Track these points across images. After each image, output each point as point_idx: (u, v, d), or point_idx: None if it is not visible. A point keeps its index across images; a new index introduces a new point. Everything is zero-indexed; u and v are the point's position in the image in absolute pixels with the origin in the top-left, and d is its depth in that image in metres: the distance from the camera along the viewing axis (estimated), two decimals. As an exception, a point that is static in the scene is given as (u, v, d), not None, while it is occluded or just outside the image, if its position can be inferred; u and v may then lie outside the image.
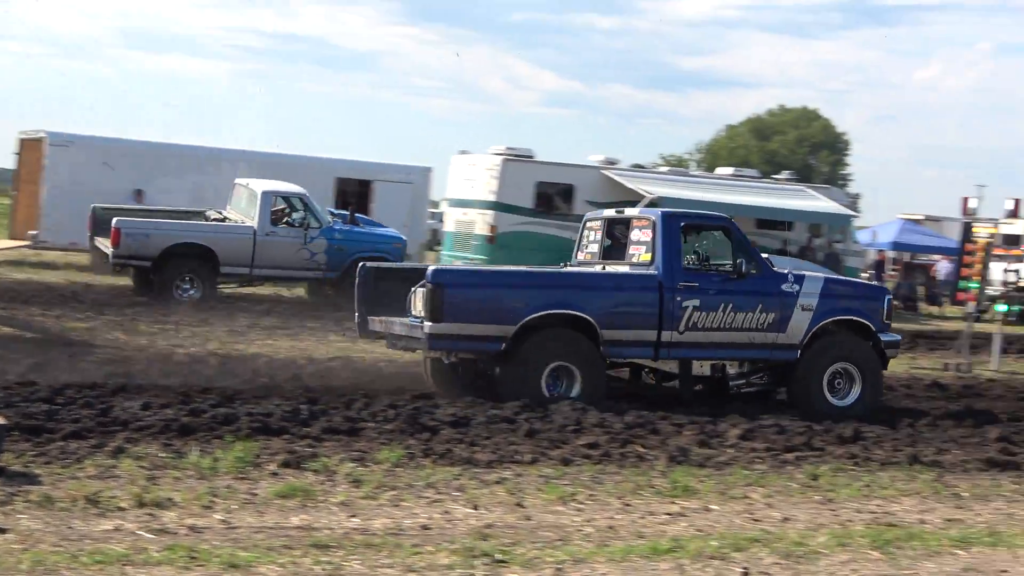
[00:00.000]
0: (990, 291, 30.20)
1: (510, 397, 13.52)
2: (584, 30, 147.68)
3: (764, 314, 14.64)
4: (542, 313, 13.90)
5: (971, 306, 23.15)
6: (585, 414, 13.24)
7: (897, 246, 51.59)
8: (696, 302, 14.39)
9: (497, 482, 10.35)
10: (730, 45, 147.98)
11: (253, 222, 24.32)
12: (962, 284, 23.75)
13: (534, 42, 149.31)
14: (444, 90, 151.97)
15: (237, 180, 25.88)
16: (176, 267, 23.75)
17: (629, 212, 15.80)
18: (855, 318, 15.14)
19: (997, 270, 37.77)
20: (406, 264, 15.90)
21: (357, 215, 26.90)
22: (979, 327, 23.76)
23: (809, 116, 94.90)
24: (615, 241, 15.47)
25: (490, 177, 33.36)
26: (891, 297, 16.14)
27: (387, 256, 24.67)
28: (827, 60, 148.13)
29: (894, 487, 11.18)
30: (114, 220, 23.78)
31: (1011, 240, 41.83)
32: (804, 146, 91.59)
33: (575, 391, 13.93)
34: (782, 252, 36.02)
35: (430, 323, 13.58)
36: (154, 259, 23.65)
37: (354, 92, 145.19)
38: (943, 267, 43.35)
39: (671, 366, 15.01)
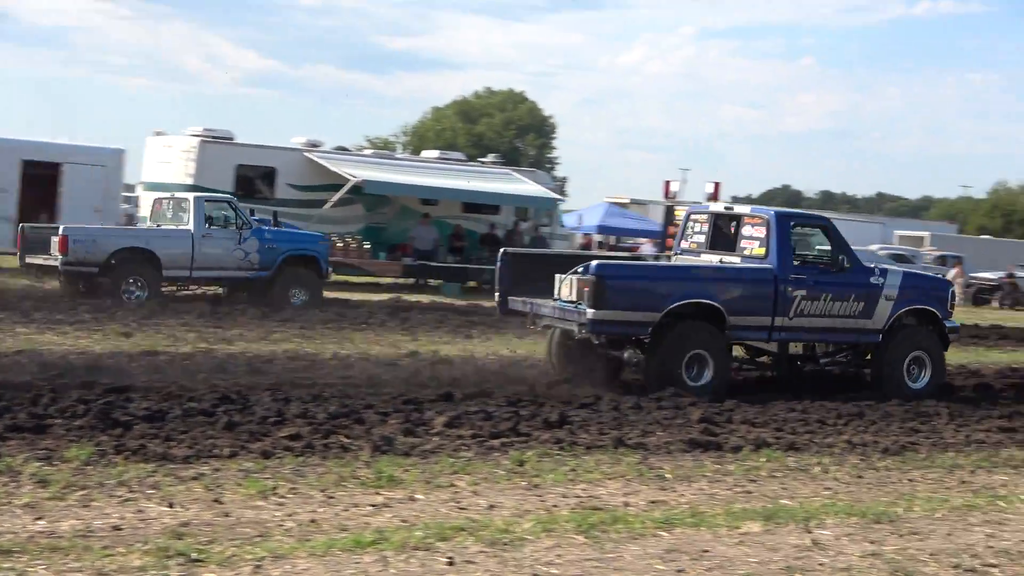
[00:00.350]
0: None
1: (655, 386, 15.23)
2: (286, 8, 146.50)
3: (856, 303, 16.84)
4: (683, 302, 15.64)
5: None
6: (287, 405, 12.99)
7: (603, 229, 52.71)
8: (803, 292, 16.47)
9: (194, 478, 9.94)
10: (436, 26, 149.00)
11: (189, 226, 24.78)
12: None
13: (235, 19, 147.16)
14: (139, 68, 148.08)
15: (157, 196, 26.74)
16: (122, 271, 24.10)
17: (739, 209, 17.61)
18: (927, 307, 17.37)
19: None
20: (546, 251, 17.35)
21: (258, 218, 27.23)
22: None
23: (515, 99, 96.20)
24: (719, 233, 17.33)
25: (187, 160, 32.73)
26: (954, 289, 18.38)
27: (316, 254, 26.05)
28: (532, 43, 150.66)
29: (599, 470, 11.20)
30: (61, 228, 24.55)
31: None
32: (511, 129, 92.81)
33: (707, 375, 15.61)
34: (490, 236, 36.36)
35: (592, 309, 15.19)
36: (101, 264, 24.10)
37: (43, 70, 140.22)
38: (647, 250, 44.47)
39: (770, 345, 16.96)
